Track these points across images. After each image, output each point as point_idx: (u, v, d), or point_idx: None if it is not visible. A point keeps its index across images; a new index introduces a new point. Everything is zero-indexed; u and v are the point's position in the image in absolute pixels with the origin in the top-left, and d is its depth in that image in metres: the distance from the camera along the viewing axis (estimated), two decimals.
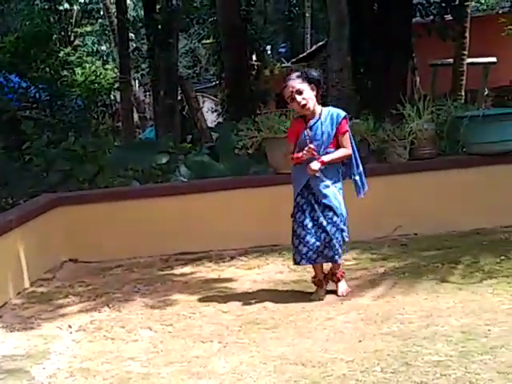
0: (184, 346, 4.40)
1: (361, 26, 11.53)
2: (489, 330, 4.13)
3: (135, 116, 21.65)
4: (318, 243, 4.96)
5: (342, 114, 4.99)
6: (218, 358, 4.13)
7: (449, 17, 15.46)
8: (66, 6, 26.07)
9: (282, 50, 28.20)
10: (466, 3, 14.73)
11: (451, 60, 15.24)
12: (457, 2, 14.78)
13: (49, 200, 7.16)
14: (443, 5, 14.31)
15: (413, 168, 7.04)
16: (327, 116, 4.95)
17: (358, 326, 4.45)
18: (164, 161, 8.36)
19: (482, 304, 4.65)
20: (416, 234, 6.85)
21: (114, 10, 20.55)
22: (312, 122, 4.95)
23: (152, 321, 4.98)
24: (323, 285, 5.19)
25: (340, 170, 5.07)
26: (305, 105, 4.87)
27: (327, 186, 4.96)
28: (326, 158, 4.92)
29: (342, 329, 4.42)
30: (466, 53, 15.03)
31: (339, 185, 5.04)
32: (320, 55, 19.38)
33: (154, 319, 5.01)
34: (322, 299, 5.08)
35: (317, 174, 4.91)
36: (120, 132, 18.33)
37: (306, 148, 4.87)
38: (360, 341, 4.17)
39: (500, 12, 17.25)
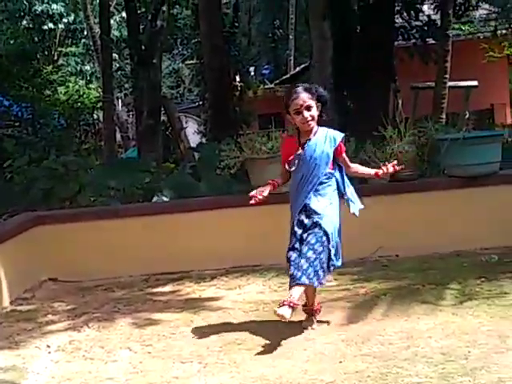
0: (163, 367, 4.37)
1: (343, 49, 11.60)
2: (469, 352, 4.13)
3: (118, 136, 21.59)
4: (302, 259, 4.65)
5: (340, 135, 4.86)
6: (198, 379, 4.10)
7: (431, 40, 15.63)
8: (50, 25, 26.08)
9: (266, 72, 28.30)
10: (447, 27, 14.88)
11: (433, 83, 15.38)
12: (438, 26, 14.94)
13: (29, 218, 7.11)
14: (425, 28, 14.46)
15: (394, 190, 7.07)
16: (323, 136, 4.77)
17: (338, 346, 4.44)
18: (146, 180, 8.32)
19: (462, 326, 4.66)
20: (397, 256, 6.87)
21: (97, 30, 20.54)
22: (307, 140, 4.76)
23: (132, 341, 4.94)
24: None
25: (335, 190, 4.89)
26: (309, 122, 4.69)
27: (323, 208, 4.73)
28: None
29: (323, 350, 4.41)
30: (447, 76, 15.15)
31: (335, 204, 4.84)
32: (303, 77, 19.46)
33: (134, 339, 4.98)
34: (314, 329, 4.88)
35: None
36: (102, 151, 18.28)
37: (258, 192, 4.86)
38: (340, 362, 4.16)
39: (481, 37, 17.43)
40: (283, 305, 4.47)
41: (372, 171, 5.11)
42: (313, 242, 4.61)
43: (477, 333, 4.49)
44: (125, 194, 8.31)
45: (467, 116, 14.62)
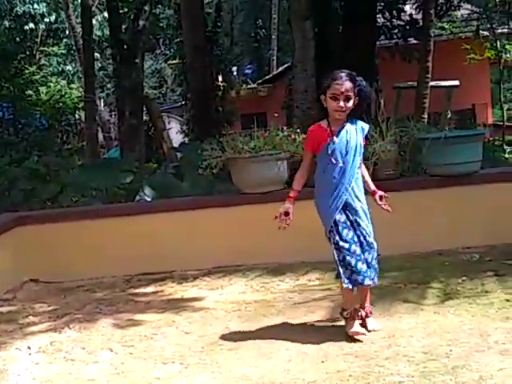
0: (145, 368, 4.35)
1: (325, 48, 11.63)
2: (450, 351, 4.15)
3: (100, 136, 21.52)
4: (373, 261, 4.53)
5: (367, 126, 4.68)
6: (180, 380, 4.09)
7: (413, 40, 15.71)
8: (32, 25, 25.97)
9: (248, 72, 28.31)
10: (429, 27, 14.95)
11: (414, 83, 15.45)
12: (420, 25, 15.03)
13: (10, 219, 7.06)
14: (407, 27, 14.52)
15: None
16: (355, 125, 4.53)
17: (320, 346, 4.44)
18: (128, 180, 8.31)
19: (443, 324, 4.67)
20: (379, 255, 6.85)
21: (79, 30, 20.47)
22: (340, 129, 4.48)
23: (113, 342, 4.92)
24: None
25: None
26: (341, 112, 4.40)
27: (360, 201, 4.54)
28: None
29: (305, 349, 4.41)
30: (429, 76, 15.23)
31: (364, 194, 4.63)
32: (286, 77, 19.49)
33: (116, 340, 4.95)
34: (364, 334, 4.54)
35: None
36: (84, 152, 18.22)
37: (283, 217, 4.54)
38: (322, 361, 4.16)
39: (463, 37, 17.53)
40: (366, 317, 4.62)
41: (372, 186, 4.76)
42: (367, 240, 4.49)
43: (458, 331, 4.50)
44: (107, 194, 8.30)
45: (449, 116, 14.72)
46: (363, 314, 4.62)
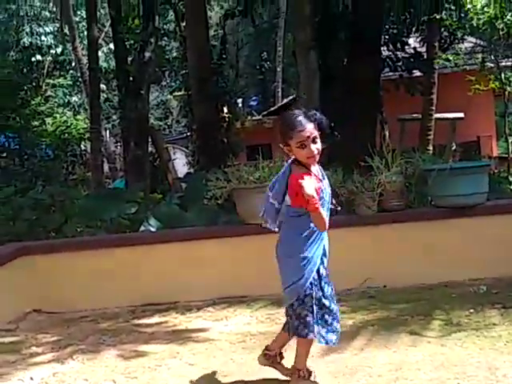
0: None
1: (330, 79, 11.67)
2: None
3: (105, 166, 21.57)
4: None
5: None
6: None
7: (417, 73, 15.78)
8: (38, 57, 26.21)
9: (253, 103, 28.45)
10: (433, 59, 15.04)
11: (419, 115, 15.50)
12: (424, 58, 15.10)
13: (14, 249, 7.04)
14: (411, 60, 14.59)
15: (381, 220, 7.05)
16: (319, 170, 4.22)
17: (326, 379, 4.39)
18: (132, 210, 8.28)
19: (450, 357, 4.62)
20: (385, 287, 6.83)
21: (85, 62, 20.62)
22: (318, 172, 4.17)
23: (116, 373, 4.87)
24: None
25: None
26: (315, 156, 4.03)
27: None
28: None
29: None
30: (433, 108, 15.32)
31: None
32: (291, 108, 19.55)
33: (119, 371, 4.90)
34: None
35: None
36: (90, 182, 18.25)
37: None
38: None
39: (467, 69, 17.58)
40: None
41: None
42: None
43: (466, 365, 4.45)
44: (111, 224, 8.27)
45: (454, 148, 14.72)
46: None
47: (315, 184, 3.99)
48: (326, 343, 4.14)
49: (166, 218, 7.82)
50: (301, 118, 4.01)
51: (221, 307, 6.60)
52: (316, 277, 4.10)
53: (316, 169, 4.14)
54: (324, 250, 4.19)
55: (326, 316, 4.12)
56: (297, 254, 4.10)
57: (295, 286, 4.09)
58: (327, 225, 4.04)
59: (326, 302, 4.12)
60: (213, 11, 25.83)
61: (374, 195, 7.01)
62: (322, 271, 4.15)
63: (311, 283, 4.09)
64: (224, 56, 19.26)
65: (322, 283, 4.13)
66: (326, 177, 4.21)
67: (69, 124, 19.88)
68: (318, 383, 4.28)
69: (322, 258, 4.15)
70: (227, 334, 5.69)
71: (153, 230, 7.69)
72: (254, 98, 30.23)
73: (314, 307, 4.09)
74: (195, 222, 7.58)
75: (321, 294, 4.11)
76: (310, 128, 3.98)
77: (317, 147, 4.00)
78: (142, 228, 7.74)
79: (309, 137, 3.97)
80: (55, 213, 8.60)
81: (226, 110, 18.52)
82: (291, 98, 22.37)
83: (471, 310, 5.72)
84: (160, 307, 6.74)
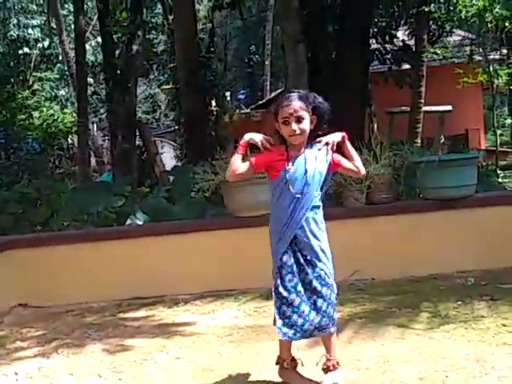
0: None
1: (319, 72, 11.62)
2: (446, 377, 4.07)
3: (93, 160, 21.44)
4: (313, 312, 3.90)
5: (331, 151, 4.02)
6: None
7: (406, 65, 15.75)
8: (26, 50, 26.02)
9: (242, 97, 28.30)
10: (422, 52, 15.01)
11: (408, 108, 15.48)
12: (413, 50, 15.08)
13: None
14: (400, 52, 14.56)
15: (370, 212, 7.03)
16: (312, 151, 3.96)
17: (313, 371, 4.34)
18: (119, 204, 8.21)
19: (439, 350, 4.59)
20: (373, 279, 6.80)
21: (72, 55, 20.48)
22: (296, 156, 3.92)
23: (102, 367, 4.81)
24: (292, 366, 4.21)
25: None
26: (296, 136, 3.85)
27: (318, 239, 3.96)
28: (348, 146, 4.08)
29: None
30: (422, 101, 15.29)
31: (325, 232, 4.07)
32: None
33: (105, 366, 4.84)
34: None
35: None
36: (77, 176, 18.15)
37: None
38: None
39: (456, 62, 17.59)
40: (329, 370, 3.97)
41: (346, 147, 4.12)
42: (319, 288, 3.90)
43: (454, 357, 4.42)
44: (98, 217, 8.20)
45: (442, 140, 14.71)
46: (325, 366, 4.01)
47: (274, 160, 3.91)
48: (283, 335, 3.92)
49: (152, 212, 7.76)
50: (292, 95, 3.88)
51: (208, 301, 6.55)
52: (279, 263, 3.92)
53: (302, 152, 3.92)
54: (300, 240, 3.91)
55: (284, 307, 3.88)
56: (269, 226, 4.05)
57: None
58: (234, 174, 4.00)
59: (284, 293, 3.87)
60: (201, 4, 25.72)
61: (362, 187, 6.98)
62: (287, 259, 3.89)
63: (275, 271, 3.95)
64: (212, 49, 19.20)
65: (284, 272, 3.89)
66: (318, 157, 3.93)
67: (56, 117, 19.75)
68: (302, 375, 4.21)
69: (287, 246, 3.90)
70: (214, 328, 5.64)
71: (140, 223, 7.63)
72: (242, 91, 30.09)
73: (274, 296, 3.95)
74: (182, 215, 7.53)
75: (279, 282, 3.88)
76: (297, 106, 3.82)
77: (300, 127, 3.83)
78: (129, 221, 7.69)
79: (291, 114, 3.82)
80: (41, 206, 8.51)
81: (214, 103, 18.47)
82: (279, 91, 22.30)
83: (459, 303, 5.70)
84: (147, 301, 6.69)
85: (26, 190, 8.93)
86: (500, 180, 12.86)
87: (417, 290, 6.26)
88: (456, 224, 6.97)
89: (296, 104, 3.84)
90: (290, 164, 3.88)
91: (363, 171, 4.18)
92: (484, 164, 14.44)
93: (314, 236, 3.93)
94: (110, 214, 8.21)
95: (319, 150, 3.98)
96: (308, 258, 3.91)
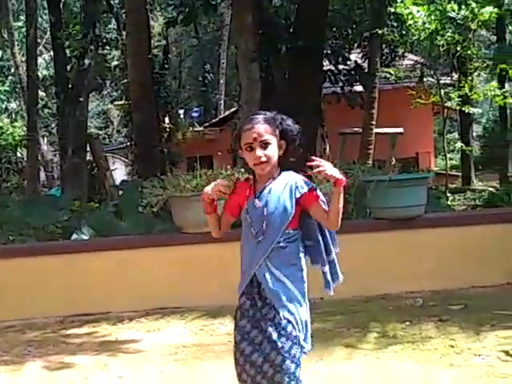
0: None
1: (272, 90, 11.62)
2: None
3: (42, 175, 21.14)
4: (266, 364, 3.26)
5: (306, 185, 3.31)
6: None
7: (359, 88, 15.90)
8: None
9: (195, 115, 28.26)
10: (374, 73, 15.16)
11: (360, 129, 15.60)
12: (366, 71, 15.23)
13: None
14: (352, 73, 14.69)
15: None
16: (283, 183, 3.25)
17: None
18: (65, 218, 8.05)
19: (386, 370, 4.54)
20: (322, 298, 6.72)
21: (24, 68, 20.23)
22: (263, 188, 3.27)
23: None
24: None
25: (302, 254, 3.49)
26: (262, 165, 3.21)
27: (284, 285, 3.37)
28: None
29: None
30: (374, 123, 15.43)
31: (301, 274, 3.54)
32: (232, 121, 19.50)
33: None
34: None
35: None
36: (25, 190, 17.85)
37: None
38: None
39: (408, 86, 17.80)
40: None
41: (336, 193, 3.36)
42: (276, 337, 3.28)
43: (401, 377, 4.37)
44: (43, 231, 8.02)
45: (393, 162, 14.81)
46: None
47: (240, 193, 3.34)
48: None
49: (99, 226, 7.61)
50: (256, 117, 3.28)
51: (154, 318, 6.42)
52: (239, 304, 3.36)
53: (269, 184, 3.26)
54: (255, 277, 3.31)
55: (237, 355, 3.30)
56: None
57: None
58: (218, 234, 3.44)
59: (236, 337, 3.30)
60: (156, 21, 25.65)
61: None
62: (243, 301, 3.33)
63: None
64: (166, 66, 19.15)
65: (238, 314, 3.34)
66: (286, 187, 3.25)
67: (5, 130, 19.43)
68: None
69: (250, 282, 3.33)
70: (159, 346, 5.51)
71: (85, 238, 7.47)
72: (195, 109, 30.06)
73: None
74: (130, 231, 7.40)
75: (234, 341, 3.33)
76: (261, 129, 3.21)
77: (266, 153, 3.19)
78: (74, 236, 7.52)
79: (255, 139, 3.19)
80: None
81: (167, 120, 18.39)
82: (233, 110, 22.32)
83: (407, 323, 5.67)
84: (90, 317, 6.53)
85: None
86: (449, 202, 12.96)
87: (365, 310, 6.22)
88: (405, 244, 6.95)
89: (260, 127, 3.22)
90: (256, 200, 3.26)
91: (338, 227, 3.51)
92: (434, 187, 14.57)
93: (273, 283, 3.32)
94: (56, 229, 8.04)
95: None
96: (270, 303, 3.31)
